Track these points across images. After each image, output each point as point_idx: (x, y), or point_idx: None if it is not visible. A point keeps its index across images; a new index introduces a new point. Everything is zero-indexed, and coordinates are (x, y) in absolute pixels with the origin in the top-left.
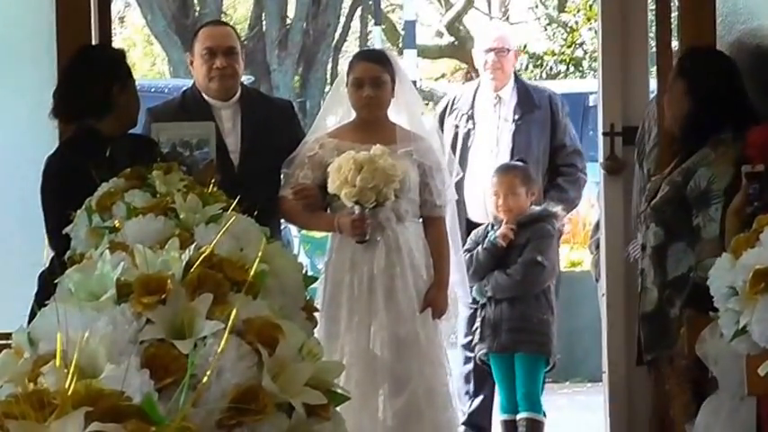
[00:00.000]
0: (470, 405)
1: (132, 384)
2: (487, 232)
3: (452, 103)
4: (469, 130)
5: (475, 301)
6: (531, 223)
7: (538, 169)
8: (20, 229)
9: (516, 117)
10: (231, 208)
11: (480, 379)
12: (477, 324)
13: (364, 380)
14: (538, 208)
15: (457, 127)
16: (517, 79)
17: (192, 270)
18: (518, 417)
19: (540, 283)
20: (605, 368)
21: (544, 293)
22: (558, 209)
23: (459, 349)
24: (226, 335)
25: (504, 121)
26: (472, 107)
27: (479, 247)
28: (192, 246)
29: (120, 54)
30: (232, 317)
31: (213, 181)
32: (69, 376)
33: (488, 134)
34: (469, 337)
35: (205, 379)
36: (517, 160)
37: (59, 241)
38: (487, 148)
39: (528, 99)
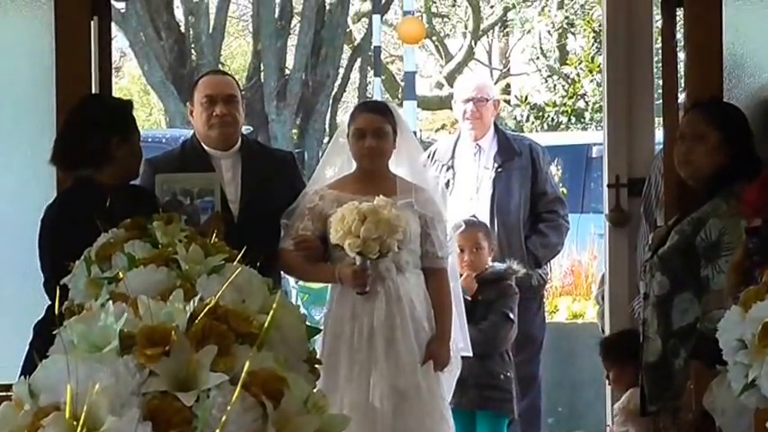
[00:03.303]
0: None
1: None
2: None
3: (432, 155)
4: (449, 180)
5: None
6: (496, 281)
7: (519, 216)
8: (18, 279)
9: (496, 165)
10: (237, 260)
11: None
12: None
13: None
14: (502, 266)
15: (437, 178)
16: (497, 129)
17: (196, 321)
18: None
19: (509, 339)
20: (609, 421)
21: (507, 351)
22: (520, 267)
23: None
24: (238, 389)
25: (484, 170)
26: (452, 157)
27: None
28: (197, 297)
29: (124, 105)
30: (245, 371)
31: (217, 232)
32: (79, 429)
33: (468, 183)
34: None
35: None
36: (498, 208)
37: (55, 291)
38: (467, 196)
39: (508, 147)
